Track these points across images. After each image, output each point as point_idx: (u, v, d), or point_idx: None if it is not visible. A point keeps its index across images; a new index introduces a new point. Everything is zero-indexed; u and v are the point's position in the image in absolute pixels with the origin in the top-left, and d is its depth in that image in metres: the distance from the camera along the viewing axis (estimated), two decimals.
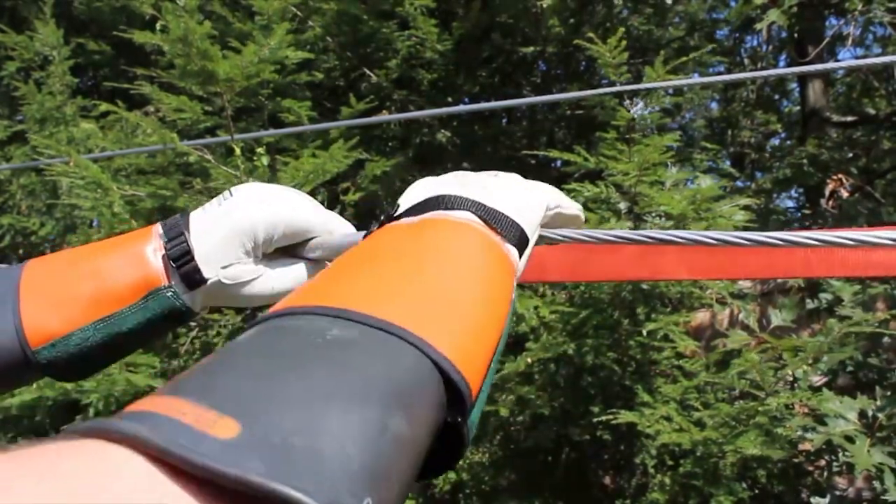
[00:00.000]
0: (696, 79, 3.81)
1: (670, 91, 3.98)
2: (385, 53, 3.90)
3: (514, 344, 3.56)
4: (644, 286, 3.37)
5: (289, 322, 0.49)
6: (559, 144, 4.08)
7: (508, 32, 4.05)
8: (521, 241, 0.66)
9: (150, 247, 0.77)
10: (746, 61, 6.88)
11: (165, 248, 0.77)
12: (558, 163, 4.02)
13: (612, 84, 3.47)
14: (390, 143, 4.05)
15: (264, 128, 3.66)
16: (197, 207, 0.84)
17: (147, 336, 0.78)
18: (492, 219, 0.65)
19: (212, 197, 3.53)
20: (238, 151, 3.29)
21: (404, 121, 3.85)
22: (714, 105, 7.27)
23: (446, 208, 0.65)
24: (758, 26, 3.21)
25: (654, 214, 3.46)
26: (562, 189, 3.11)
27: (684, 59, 3.47)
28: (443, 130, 4.02)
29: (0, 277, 0.75)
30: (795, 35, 5.40)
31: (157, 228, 0.78)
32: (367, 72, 3.93)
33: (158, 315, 0.77)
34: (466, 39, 3.88)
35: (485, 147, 4.11)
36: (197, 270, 0.77)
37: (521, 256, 0.66)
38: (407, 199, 0.69)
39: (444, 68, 3.89)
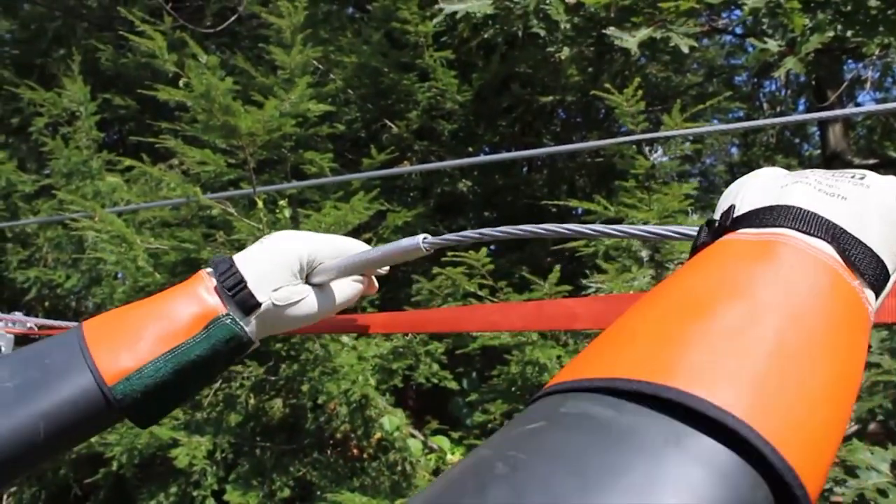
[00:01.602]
0: (714, 126, 3.72)
1: (690, 138, 3.87)
2: (406, 105, 3.90)
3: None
4: None
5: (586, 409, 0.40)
6: (580, 193, 4.06)
7: (528, 82, 4.04)
8: (880, 280, 0.53)
9: (203, 286, 0.84)
10: (765, 106, 6.85)
11: (219, 281, 0.84)
12: (579, 211, 3.99)
13: (631, 132, 3.45)
14: (412, 194, 4.04)
15: (287, 180, 3.66)
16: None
17: (213, 366, 0.83)
18: (852, 254, 0.52)
19: (235, 249, 3.53)
20: (260, 204, 3.30)
21: (425, 171, 3.82)
22: (734, 150, 7.17)
23: (796, 228, 0.52)
24: (775, 74, 3.18)
25: (676, 262, 3.43)
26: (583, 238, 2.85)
27: (702, 106, 3.46)
28: (464, 180, 4.00)
29: (63, 338, 0.79)
30: (813, 81, 5.39)
31: (204, 272, 0.86)
32: (388, 123, 3.93)
33: (222, 342, 0.82)
34: (486, 90, 3.88)
35: (505, 196, 4.07)
36: (251, 296, 0.84)
37: (876, 299, 0.52)
38: (747, 196, 0.57)
39: (464, 119, 3.89)
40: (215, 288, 0.84)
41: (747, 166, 6.58)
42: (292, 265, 0.86)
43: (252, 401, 3.46)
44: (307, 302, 0.88)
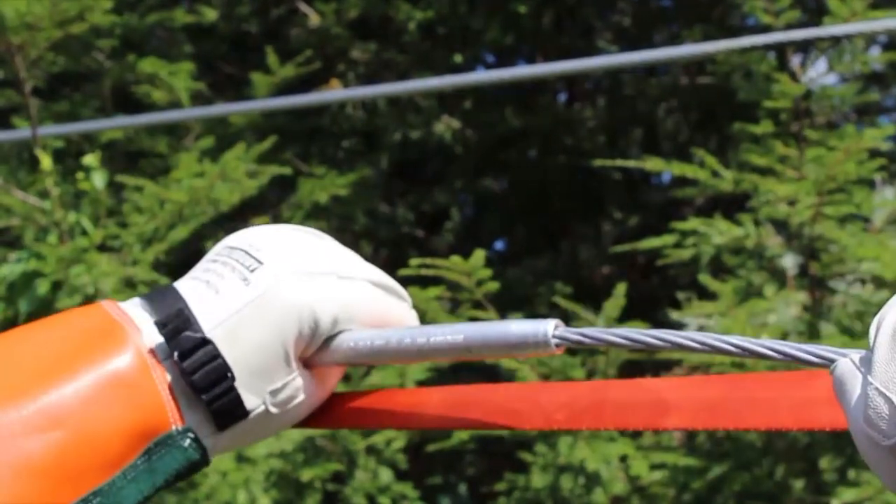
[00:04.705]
0: None
1: (880, 39, 3.18)
2: None
3: None
4: None
5: None
6: (666, 143, 3.21)
7: None
8: None
9: (133, 359, 0.57)
10: None
11: (180, 367, 0.58)
12: (664, 178, 3.32)
13: (767, 28, 2.87)
14: (346, 144, 3.19)
15: (104, 112, 2.86)
16: None
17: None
18: None
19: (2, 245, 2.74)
20: (47, 162, 2.57)
21: (372, 100, 2.95)
22: None
23: None
24: None
25: (850, 279, 2.82)
26: (671, 231, 2.72)
27: None
28: (446, 118, 3.18)
29: None
30: None
31: (133, 319, 0.59)
32: (301, 5, 3.17)
33: (171, 475, 0.59)
34: None
35: (525, 147, 3.22)
36: (239, 403, 0.60)
37: None
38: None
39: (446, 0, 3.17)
40: (170, 384, 0.57)
41: None
42: (299, 343, 0.60)
43: None
44: (306, 399, 0.64)
